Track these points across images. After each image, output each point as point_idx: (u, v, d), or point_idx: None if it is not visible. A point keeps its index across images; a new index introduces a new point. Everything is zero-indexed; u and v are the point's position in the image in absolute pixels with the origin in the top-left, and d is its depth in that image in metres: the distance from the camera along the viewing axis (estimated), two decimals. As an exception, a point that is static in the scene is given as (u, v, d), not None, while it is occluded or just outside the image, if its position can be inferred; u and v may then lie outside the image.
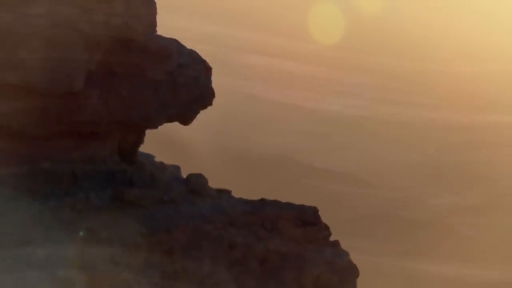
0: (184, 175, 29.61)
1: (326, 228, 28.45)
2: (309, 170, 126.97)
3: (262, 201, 27.47)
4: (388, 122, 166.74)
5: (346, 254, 28.72)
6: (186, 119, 26.85)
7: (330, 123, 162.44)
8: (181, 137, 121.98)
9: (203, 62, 26.40)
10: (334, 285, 27.81)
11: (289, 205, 27.64)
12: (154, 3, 25.12)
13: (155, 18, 25.29)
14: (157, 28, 28.84)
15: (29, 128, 23.40)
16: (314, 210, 28.07)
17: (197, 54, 26.52)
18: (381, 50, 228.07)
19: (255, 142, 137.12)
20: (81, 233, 23.27)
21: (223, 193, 26.95)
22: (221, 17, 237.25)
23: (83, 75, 23.47)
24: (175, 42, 25.77)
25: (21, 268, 21.54)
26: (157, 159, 29.38)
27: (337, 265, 27.98)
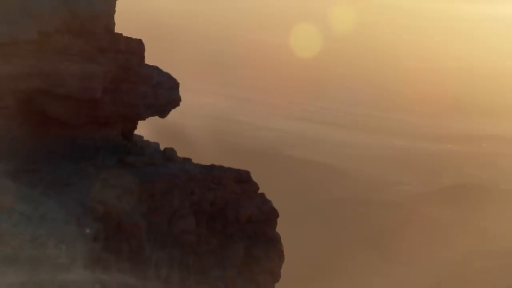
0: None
1: (256, 185, 33.77)
2: (291, 160, 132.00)
3: (212, 165, 32.99)
4: (359, 119, 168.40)
5: (269, 202, 34.07)
6: (163, 114, 32.64)
7: (309, 122, 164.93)
8: (189, 134, 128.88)
9: (174, 79, 32.47)
10: (261, 222, 33.58)
11: (230, 169, 33.13)
12: (143, 44, 30.89)
13: (144, 53, 31.25)
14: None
15: (70, 119, 29.76)
16: (247, 173, 33.63)
17: (170, 74, 32.34)
18: (352, 61, 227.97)
19: (246, 137, 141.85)
20: (99, 183, 28.22)
21: (187, 160, 32.84)
22: (218, 36, 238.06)
23: (101, 89, 29.62)
24: (156, 68, 32.21)
25: (66, 201, 26.61)
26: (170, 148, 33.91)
27: (263, 209, 33.59)
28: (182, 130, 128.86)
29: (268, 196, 35.20)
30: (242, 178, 33.34)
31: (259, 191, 34.53)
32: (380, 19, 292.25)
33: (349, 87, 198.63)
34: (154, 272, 29.53)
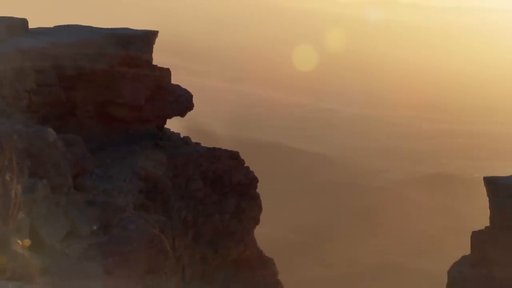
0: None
1: (243, 161, 39.38)
2: (291, 150, 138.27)
3: (214, 147, 38.37)
4: (350, 119, 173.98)
5: (252, 172, 39.87)
6: (182, 115, 37.60)
7: (306, 120, 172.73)
8: (208, 129, 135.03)
9: (189, 92, 37.51)
10: (247, 185, 39.51)
11: (225, 150, 38.97)
12: (170, 71, 35.73)
13: (170, 76, 36.01)
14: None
15: (125, 118, 35.03)
16: (237, 153, 39.09)
17: (187, 90, 37.03)
18: (345, 73, 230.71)
19: (254, 133, 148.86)
20: (141, 157, 31.98)
21: (197, 144, 37.94)
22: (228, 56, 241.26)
23: (143, 98, 35.00)
24: (178, 86, 37.28)
25: (123, 168, 30.78)
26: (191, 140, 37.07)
27: (248, 176, 39.88)
28: (204, 127, 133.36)
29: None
30: (233, 156, 39.45)
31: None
32: (369, 37, 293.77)
33: (343, 94, 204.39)
34: (176, 214, 34.26)
